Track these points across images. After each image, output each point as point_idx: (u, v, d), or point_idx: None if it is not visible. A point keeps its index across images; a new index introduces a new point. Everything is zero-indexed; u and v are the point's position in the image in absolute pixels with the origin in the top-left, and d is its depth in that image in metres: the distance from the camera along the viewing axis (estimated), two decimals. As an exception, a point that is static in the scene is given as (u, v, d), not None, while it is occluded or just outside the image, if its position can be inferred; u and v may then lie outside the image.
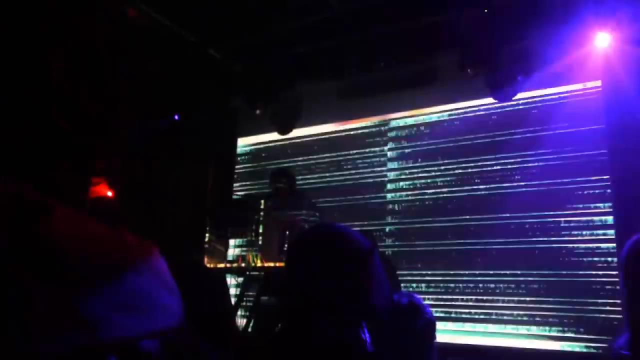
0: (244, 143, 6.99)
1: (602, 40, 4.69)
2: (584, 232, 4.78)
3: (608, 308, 4.55)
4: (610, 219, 4.70)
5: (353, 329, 1.12)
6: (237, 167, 6.94)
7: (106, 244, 0.56)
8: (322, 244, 1.22)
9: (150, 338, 0.65)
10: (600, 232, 4.72)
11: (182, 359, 0.90)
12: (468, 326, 5.06)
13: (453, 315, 5.13)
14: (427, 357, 1.56)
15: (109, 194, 5.12)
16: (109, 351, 0.56)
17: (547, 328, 4.74)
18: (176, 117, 6.45)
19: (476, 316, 5.05)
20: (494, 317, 4.98)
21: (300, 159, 6.39)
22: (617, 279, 4.50)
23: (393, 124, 5.96)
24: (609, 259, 4.63)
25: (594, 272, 4.67)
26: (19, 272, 0.47)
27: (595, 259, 4.69)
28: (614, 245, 4.61)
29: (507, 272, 4.99)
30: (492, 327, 4.96)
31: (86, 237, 0.54)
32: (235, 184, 6.82)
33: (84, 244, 0.53)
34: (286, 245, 4.16)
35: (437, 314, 4.99)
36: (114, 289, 0.53)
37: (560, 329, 4.68)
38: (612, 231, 4.66)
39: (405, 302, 1.45)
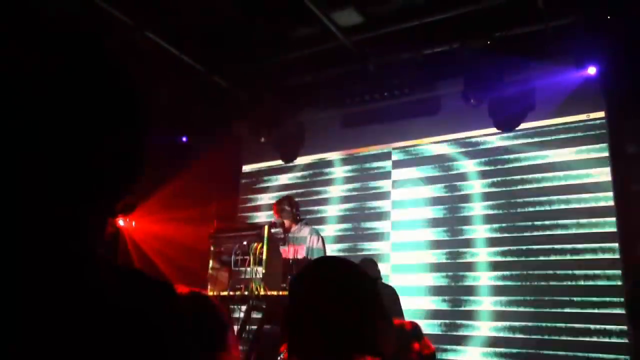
0: (248, 170, 7.03)
1: (592, 71, 4.78)
2: (589, 261, 4.75)
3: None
4: (615, 245, 4.67)
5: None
6: (241, 194, 6.96)
7: None
8: (326, 279, 1.22)
9: None
10: (606, 266, 4.69)
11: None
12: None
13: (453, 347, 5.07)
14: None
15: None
16: None
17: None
18: (184, 139, 6.50)
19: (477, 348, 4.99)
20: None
21: (303, 186, 6.41)
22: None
23: (396, 152, 5.98)
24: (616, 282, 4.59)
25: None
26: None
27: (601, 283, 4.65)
28: (619, 271, 4.58)
29: (513, 298, 4.95)
30: None
31: None
32: (239, 212, 6.83)
33: None
34: (290, 275, 4.15)
35: (440, 345, 4.94)
36: None
37: None
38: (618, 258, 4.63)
39: (409, 331, 1.44)
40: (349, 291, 1.21)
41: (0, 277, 0.52)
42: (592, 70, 4.76)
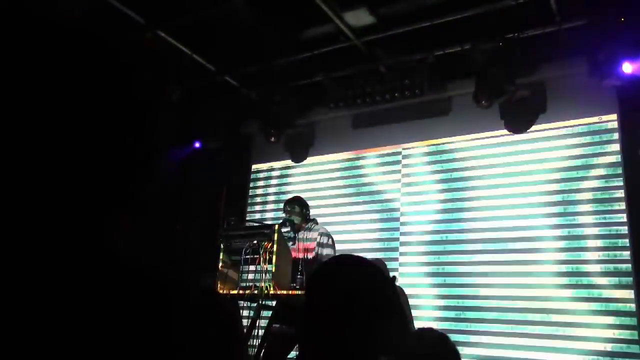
0: (258, 169, 7.03)
1: (628, 69, 4.60)
2: (603, 266, 4.73)
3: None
4: (626, 253, 4.64)
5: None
6: (250, 193, 6.97)
7: None
8: (347, 276, 1.22)
9: None
10: (620, 267, 4.66)
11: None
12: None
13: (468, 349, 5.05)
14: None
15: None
16: None
17: None
18: (197, 144, 6.52)
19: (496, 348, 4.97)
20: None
21: (313, 186, 6.41)
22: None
23: (407, 153, 5.97)
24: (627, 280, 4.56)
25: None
26: None
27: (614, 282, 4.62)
28: (630, 278, 4.55)
29: (528, 300, 4.93)
30: None
31: None
32: (248, 211, 6.85)
33: None
34: (299, 275, 4.15)
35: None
36: None
37: None
38: (629, 269, 4.60)
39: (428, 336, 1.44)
40: (367, 290, 1.21)
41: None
42: (627, 68, 4.58)
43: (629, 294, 4.53)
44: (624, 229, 4.68)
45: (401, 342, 1.20)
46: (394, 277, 1.27)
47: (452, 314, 5.20)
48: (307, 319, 1.22)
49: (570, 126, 5.14)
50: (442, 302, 5.28)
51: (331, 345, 1.16)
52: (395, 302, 1.23)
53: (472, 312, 5.10)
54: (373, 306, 1.19)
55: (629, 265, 4.58)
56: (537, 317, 4.83)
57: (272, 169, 6.91)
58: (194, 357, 0.64)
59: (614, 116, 4.95)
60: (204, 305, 1.46)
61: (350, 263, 1.27)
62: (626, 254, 4.62)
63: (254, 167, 7.06)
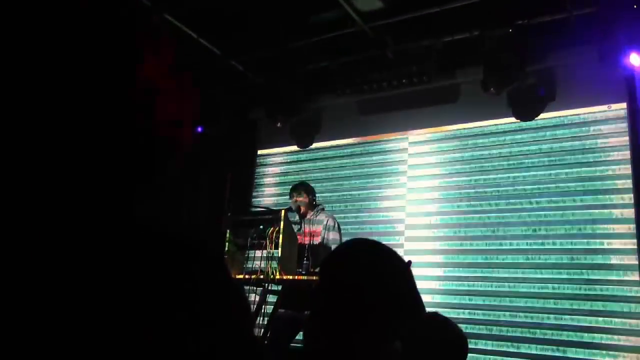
0: (263, 154, 7.02)
1: (635, 60, 4.58)
2: (607, 254, 4.72)
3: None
4: (633, 242, 4.63)
5: (392, 344, 1.11)
6: (256, 178, 6.97)
7: None
8: (371, 257, 1.22)
9: None
10: (625, 255, 4.65)
11: None
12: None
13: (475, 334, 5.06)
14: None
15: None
16: None
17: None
18: (200, 129, 6.50)
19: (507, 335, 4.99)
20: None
21: (319, 172, 6.40)
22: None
23: (413, 140, 5.95)
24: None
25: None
26: None
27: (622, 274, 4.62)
28: (637, 272, 4.55)
29: (536, 290, 4.93)
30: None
31: None
32: (254, 196, 6.85)
33: None
34: (305, 260, 4.16)
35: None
36: None
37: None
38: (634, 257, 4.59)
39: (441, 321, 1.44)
40: (386, 274, 1.21)
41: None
42: (635, 60, 4.56)
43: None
44: (631, 220, 4.66)
45: (417, 327, 1.20)
46: (410, 262, 1.26)
47: (455, 299, 5.21)
48: (321, 300, 1.21)
49: (579, 114, 5.11)
50: (445, 287, 5.28)
51: (346, 328, 1.15)
52: (412, 286, 1.22)
53: (478, 297, 5.12)
54: (390, 290, 1.18)
55: (635, 256, 4.57)
56: (542, 303, 4.84)
57: (278, 155, 6.89)
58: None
59: (623, 105, 4.91)
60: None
61: (368, 245, 1.27)
62: (631, 245, 4.61)
63: (260, 152, 7.04)
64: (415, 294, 1.22)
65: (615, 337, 4.49)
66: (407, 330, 1.19)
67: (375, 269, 1.20)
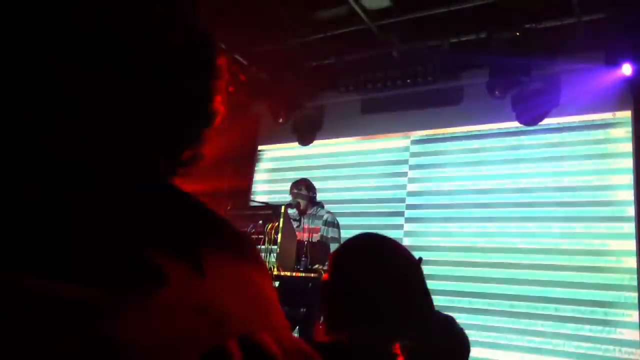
0: (264, 149, 6.99)
1: (627, 70, 4.62)
2: (606, 259, 4.70)
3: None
4: (633, 246, 4.61)
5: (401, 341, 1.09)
6: (256, 174, 6.94)
7: None
8: (381, 252, 1.19)
9: None
10: (624, 263, 4.64)
11: None
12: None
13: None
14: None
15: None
16: None
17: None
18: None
19: (504, 340, 4.96)
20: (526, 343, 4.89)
21: (320, 170, 6.36)
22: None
23: (415, 140, 5.92)
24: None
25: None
26: None
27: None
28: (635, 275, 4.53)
29: (533, 295, 4.90)
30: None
31: None
32: (254, 191, 6.81)
33: None
34: (303, 257, 4.13)
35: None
36: None
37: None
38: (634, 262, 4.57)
39: (450, 321, 1.41)
40: (395, 270, 1.18)
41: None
42: (627, 70, 4.60)
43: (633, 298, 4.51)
44: (632, 228, 4.64)
45: (425, 326, 1.17)
46: (420, 259, 1.23)
47: (454, 301, 5.19)
48: (330, 295, 1.19)
49: (583, 121, 5.09)
50: (444, 289, 5.26)
51: (355, 322, 1.13)
52: (421, 283, 1.19)
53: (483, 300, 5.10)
54: (399, 286, 1.16)
55: (634, 259, 4.56)
56: (538, 292, 4.82)
57: (279, 150, 6.86)
58: None
59: (629, 113, 4.89)
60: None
61: (378, 240, 1.24)
62: (631, 250, 4.59)
63: (260, 147, 7.01)
64: (424, 292, 1.19)
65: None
66: (415, 328, 1.17)
67: (385, 265, 1.17)
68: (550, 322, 4.76)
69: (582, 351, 4.59)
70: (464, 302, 5.14)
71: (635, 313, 4.45)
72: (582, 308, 4.67)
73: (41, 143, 0.49)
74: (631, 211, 4.68)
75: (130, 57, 0.57)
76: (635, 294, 4.48)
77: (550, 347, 4.71)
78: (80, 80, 0.52)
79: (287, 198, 4.88)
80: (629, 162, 4.79)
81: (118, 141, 0.56)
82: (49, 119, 0.49)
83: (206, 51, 0.68)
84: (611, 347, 4.50)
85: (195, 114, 0.66)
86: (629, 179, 4.75)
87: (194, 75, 0.66)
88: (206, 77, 0.67)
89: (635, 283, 4.51)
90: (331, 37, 5.51)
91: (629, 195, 4.72)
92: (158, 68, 0.60)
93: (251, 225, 4.21)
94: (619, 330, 4.50)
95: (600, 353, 4.52)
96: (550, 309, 4.78)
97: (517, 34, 4.83)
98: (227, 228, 0.64)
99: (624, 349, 4.45)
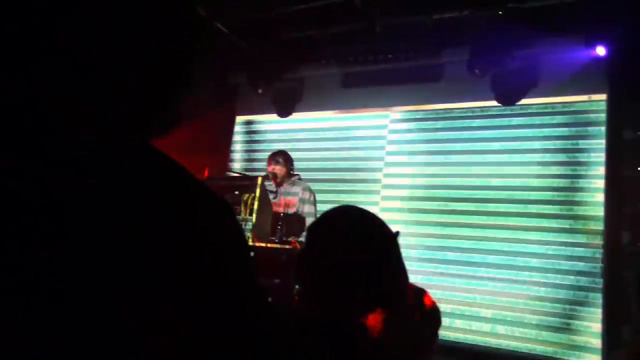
0: (242, 120, 6.93)
1: (601, 51, 4.70)
2: (579, 237, 4.82)
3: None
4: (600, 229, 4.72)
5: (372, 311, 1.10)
6: (234, 144, 6.89)
7: None
8: (358, 224, 1.20)
9: None
10: (596, 238, 4.75)
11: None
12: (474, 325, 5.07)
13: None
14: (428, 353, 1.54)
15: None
16: None
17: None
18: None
19: (476, 313, 5.07)
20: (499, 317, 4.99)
21: (297, 142, 6.34)
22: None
23: (395, 116, 5.93)
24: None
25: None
26: None
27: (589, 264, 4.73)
28: (599, 256, 4.65)
29: (508, 270, 5.00)
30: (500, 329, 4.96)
31: None
32: (231, 161, 6.77)
33: None
34: (279, 228, 4.14)
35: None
36: None
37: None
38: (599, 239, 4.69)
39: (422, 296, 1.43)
40: (372, 241, 1.19)
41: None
42: (601, 51, 4.68)
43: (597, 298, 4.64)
44: (600, 211, 4.75)
45: (400, 296, 1.19)
46: (397, 232, 1.25)
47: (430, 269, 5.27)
48: (307, 265, 1.19)
49: (558, 102, 5.15)
50: (424, 268, 5.33)
51: (329, 293, 1.14)
52: (397, 255, 1.21)
53: (457, 277, 5.19)
54: (375, 257, 1.17)
55: (599, 249, 4.67)
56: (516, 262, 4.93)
57: (257, 122, 6.81)
58: None
59: (604, 96, 4.96)
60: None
61: (356, 213, 1.25)
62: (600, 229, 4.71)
63: (239, 118, 6.95)
64: (400, 264, 1.21)
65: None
66: (389, 300, 1.18)
67: (362, 236, 1.18)
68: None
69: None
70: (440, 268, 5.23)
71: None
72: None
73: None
74: (600, 183, 4.79)
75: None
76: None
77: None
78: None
79: (264, 169, 4.87)
80: (601, 144, 4.87)
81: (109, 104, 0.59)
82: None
83: (184, 12, 0.68)
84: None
85: (172, 74, 0.67)
86: (600, 158, 4.84)
87: (172, 37, 0.66)
88: (184, 38, 0.68)
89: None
90: (314, 9, 5.43)
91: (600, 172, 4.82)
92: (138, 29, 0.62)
93: (227, 196, 4.20)
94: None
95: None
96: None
97: (500, 12, 4.83)
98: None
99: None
